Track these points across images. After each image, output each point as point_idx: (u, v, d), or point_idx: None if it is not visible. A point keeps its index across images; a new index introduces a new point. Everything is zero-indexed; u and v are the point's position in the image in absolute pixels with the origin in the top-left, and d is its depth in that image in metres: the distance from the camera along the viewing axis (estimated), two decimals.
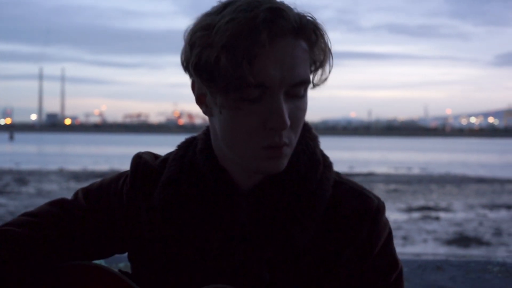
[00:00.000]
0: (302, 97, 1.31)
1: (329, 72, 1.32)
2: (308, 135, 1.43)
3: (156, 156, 1.53)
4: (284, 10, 1.25)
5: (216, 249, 1.37)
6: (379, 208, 1.41)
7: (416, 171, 29.86)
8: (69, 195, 1.57)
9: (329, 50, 1.31)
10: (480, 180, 24.07)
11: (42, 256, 1.46)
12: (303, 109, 1.32)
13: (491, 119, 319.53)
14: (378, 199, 1.43)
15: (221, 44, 1.22)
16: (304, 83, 1.29)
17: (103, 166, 29.26)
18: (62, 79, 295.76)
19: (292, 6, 1.28)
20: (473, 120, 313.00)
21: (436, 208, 15.17)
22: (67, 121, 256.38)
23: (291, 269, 1.37)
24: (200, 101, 1.36)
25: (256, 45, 1.22)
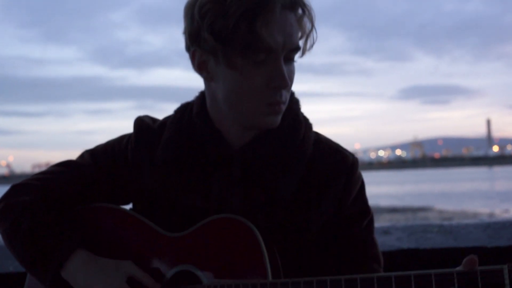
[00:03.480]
0: (293, 61, 1.54)
1: (313, 44, 1.54)
2: (291, 99, 1.63)
3: (154, 120, 1.73)
4: None
5: (216, 196, 1.58)
6: (354, 163, 1.65)
7: None
8: None
9: (313, 24, 1.52)
10: (393, 210, 24.70)
11: (57, 203, 1.64)
12: (294, 72, 1.54)
13: (398, 152, 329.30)
14: (353, 155, 1.66)
15: (240, 13, 1.42)
16: (298, 49, 1.52)
17: None
18: None
19: None
20: (381, 153, 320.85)
21: None
22: None
23: (280, 214, 1.58)
24: (200, 68, 1.55)
25: (269, 14, 1.44)
